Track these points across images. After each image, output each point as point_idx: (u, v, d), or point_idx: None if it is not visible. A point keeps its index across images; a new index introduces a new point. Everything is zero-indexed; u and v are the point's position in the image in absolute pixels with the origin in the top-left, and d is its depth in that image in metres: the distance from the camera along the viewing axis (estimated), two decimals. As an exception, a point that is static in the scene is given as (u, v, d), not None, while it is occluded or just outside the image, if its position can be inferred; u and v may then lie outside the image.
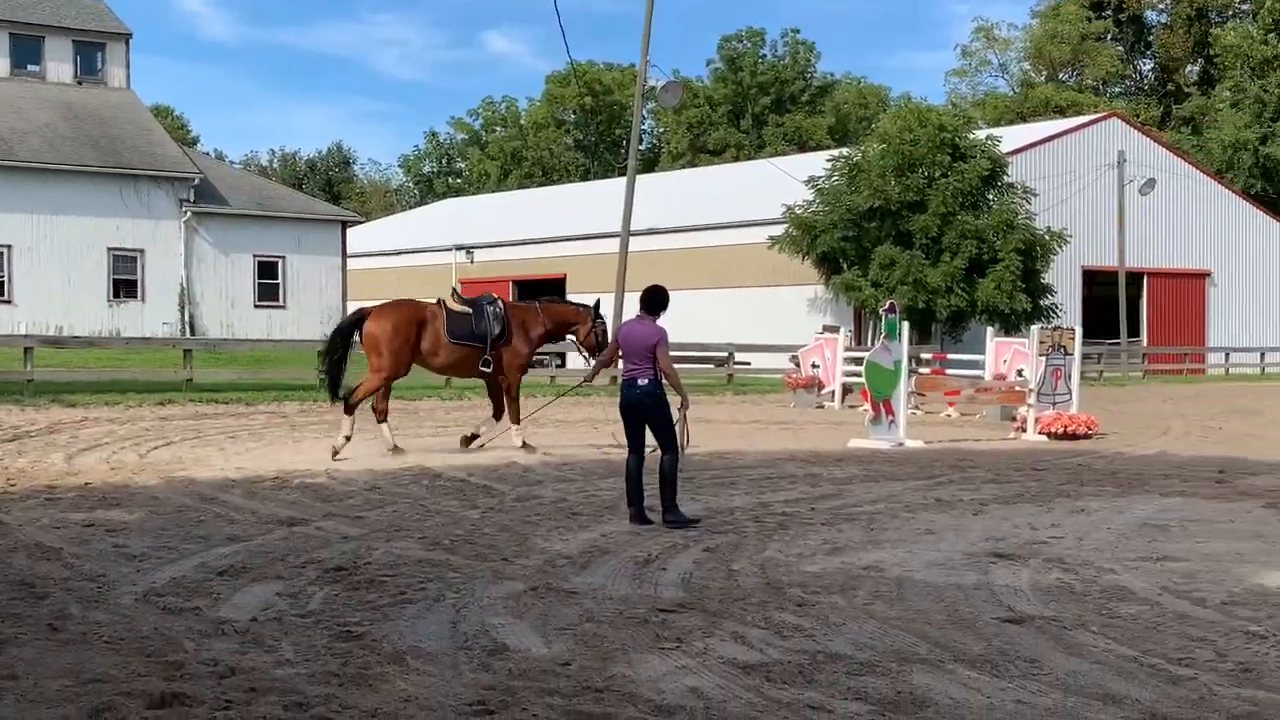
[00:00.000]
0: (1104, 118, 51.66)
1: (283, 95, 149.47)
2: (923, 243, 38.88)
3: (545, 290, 53.33)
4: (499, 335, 16.06)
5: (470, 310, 16.12)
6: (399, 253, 59.30)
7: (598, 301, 17.30)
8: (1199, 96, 74.15)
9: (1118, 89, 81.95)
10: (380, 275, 57.44)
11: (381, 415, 15.74)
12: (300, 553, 9.13)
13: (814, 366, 27.86)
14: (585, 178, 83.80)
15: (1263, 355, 49.95)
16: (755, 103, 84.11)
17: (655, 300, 10.83)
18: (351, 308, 46.49)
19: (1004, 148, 41.54)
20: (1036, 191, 41.24)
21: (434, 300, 16.43)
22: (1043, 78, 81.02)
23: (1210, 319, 51.09)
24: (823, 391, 27.46)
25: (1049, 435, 19.49)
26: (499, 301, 16.45)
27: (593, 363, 15.13)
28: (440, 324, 15.89)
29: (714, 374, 36.44)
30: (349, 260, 45.12)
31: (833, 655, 6.53)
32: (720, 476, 13.92)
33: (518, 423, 16.33)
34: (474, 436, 16.43)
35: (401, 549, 9.32)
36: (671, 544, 9.64)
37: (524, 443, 16.02)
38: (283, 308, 42.00)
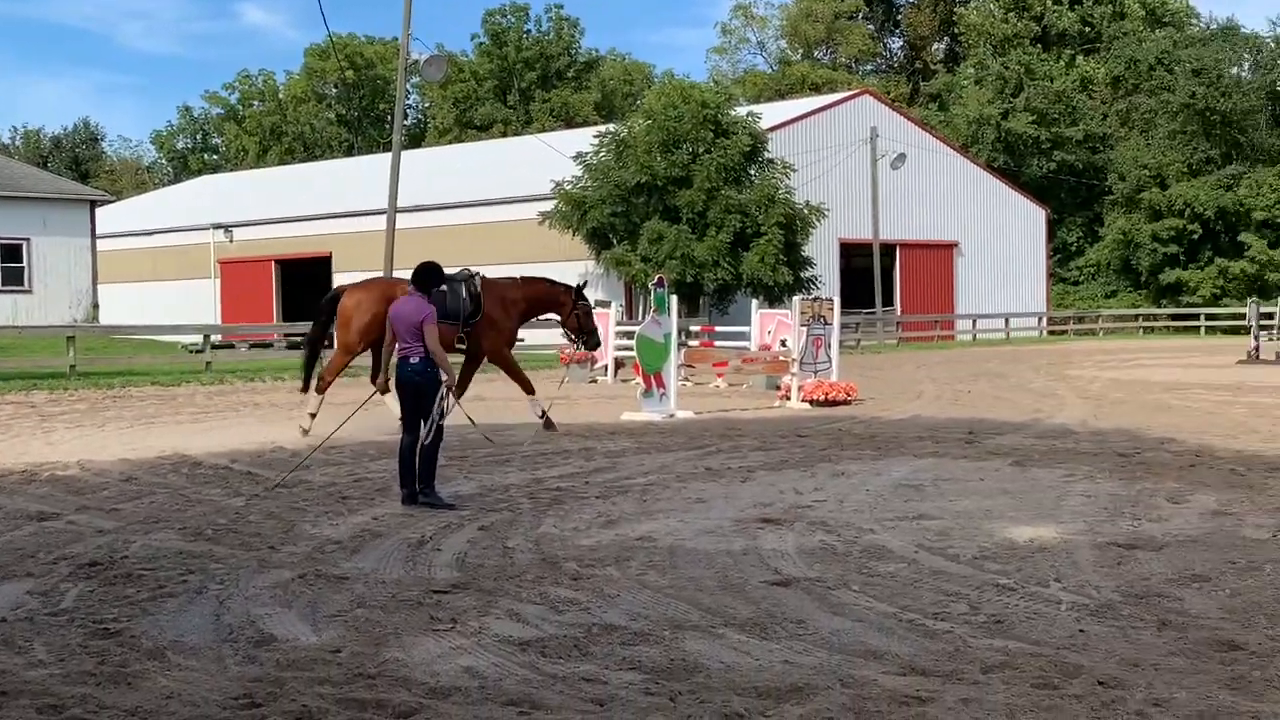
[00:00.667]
0: (857, 95, 53.42)
1: (23, 70, 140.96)
2: (689, 217, 39.48)
3: (308, 269, 52.10)
4: (472, 312, 15.70)
5: (444, 288, 15.80)
6: (153, 232, 56.82)
7: (584, 283, 16.94)
8: (945, 74, 77.43)
9: (869, 67, 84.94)
10: (134, 256, 55.03)
11: (322, 388, 16.06)
12: (52, 549, 8.70)
13: (585, 341, 27.99)
14: (349, 153, 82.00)
15: (1007, 321, 52.63)
16: (521, 78, 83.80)
17: (424, 277, 10.70)
18: (104, 290, 44.74)
19: (764, 124, 42.49)
20: (795, 167, 42.35)
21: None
22: (799, 56, 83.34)
23: (958, 287, 53.56)
24: (595, 366, 27.65)
25: (811, 403, 20.10)
26: (476, 278, 16.04)
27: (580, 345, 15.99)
28: None
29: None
30: (100, 241, 43.03)
31: (607, 627, 6.59)
32: (494, 454, 13.87)
33: (532, 392, 16.07)
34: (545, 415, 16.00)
35: (161, 541, 8.97)
36: (445, 524, 9.56)
37: (544, 412, 15.76)
38: (29, 292, 39.78)
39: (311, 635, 6.54)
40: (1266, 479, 11.55)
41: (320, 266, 51.44)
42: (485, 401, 20.60)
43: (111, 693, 5.58)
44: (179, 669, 5.94)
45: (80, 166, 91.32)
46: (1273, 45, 61.53)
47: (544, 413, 15.76)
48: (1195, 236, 58.55)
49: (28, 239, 39.85)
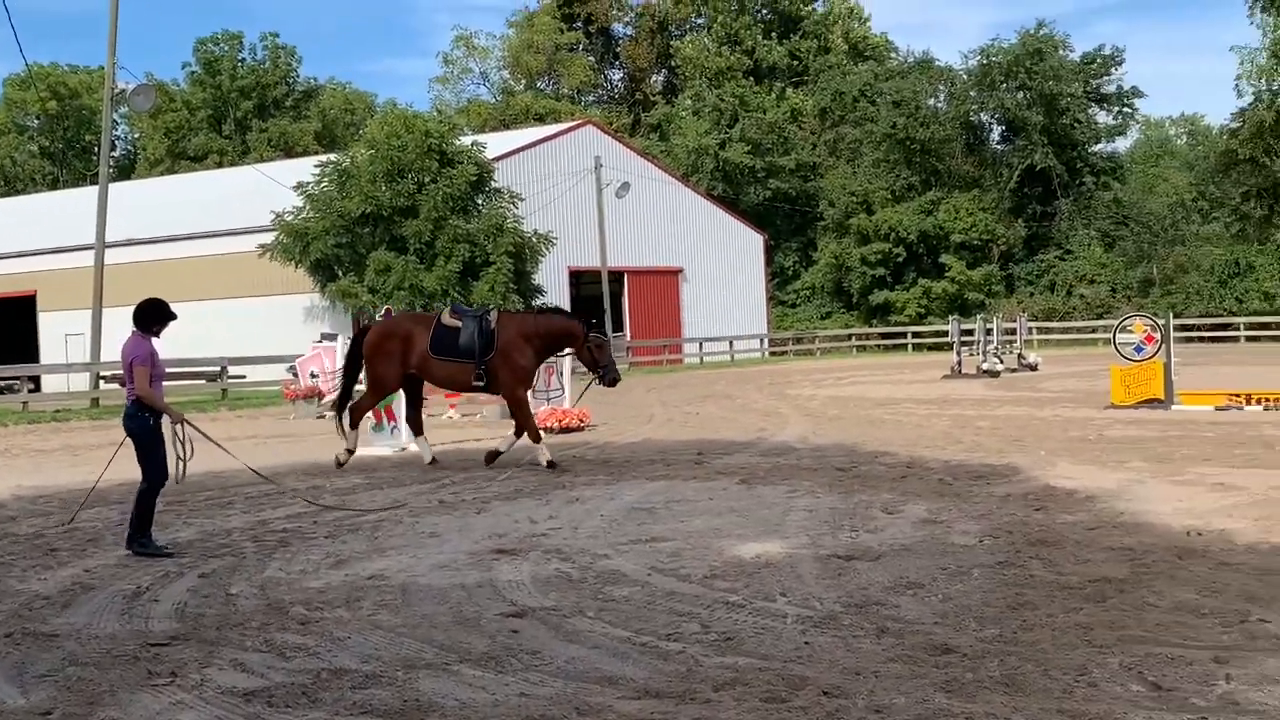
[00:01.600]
0: (580, 125, 54.21)
1: None
2: (417, 247, 39.18)
3: (11, 309, 49.09)
4: (485, 349, 15.02)
5: (459, 324, 15.15)
6: None
7: (595, 319, 16.07)
8: (664, 105, 79.38)
9: (592, 98, 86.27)
10: None
11: (354, 420, 15.69)
12: None
13: (313, 376, 27.31)
14: (54, 187, 77.79)
15: (731, 343, 54.23)
16: (237, 107, 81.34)
17: (141, 315, 10.17)
18: None
19: (489, 154, 42.61)
20: (523, 196, 42.60)
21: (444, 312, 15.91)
22: (522, 86, 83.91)
23: (685, 312, 54.91)
24: (323, 401, 26.98)
25: (546, 430, 20.15)
26: (492, 314, 15.45)
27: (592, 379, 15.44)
28: (427, 338, 15.15)
29: (207, 389, 34.95)
30: None
31: (338, 671, 6.42)
32: (215, 496, 13.34)
33: (538, 440, 15.16)
34: (496, 454, 15.37)
35: None
36: (164, 573, 9.12)
37: (549, 461, 14.87)
38: None
39: (19, 697, 6.13)
40: (971, 487, 12.24)
41: (25, 305, 48.62)
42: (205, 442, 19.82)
43: None
44: None
45: None
46: (965, 77, 65.65)
47: (550, 461, 15.00)
48: (900, 259, 61.79)
49: None
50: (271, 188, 42.13)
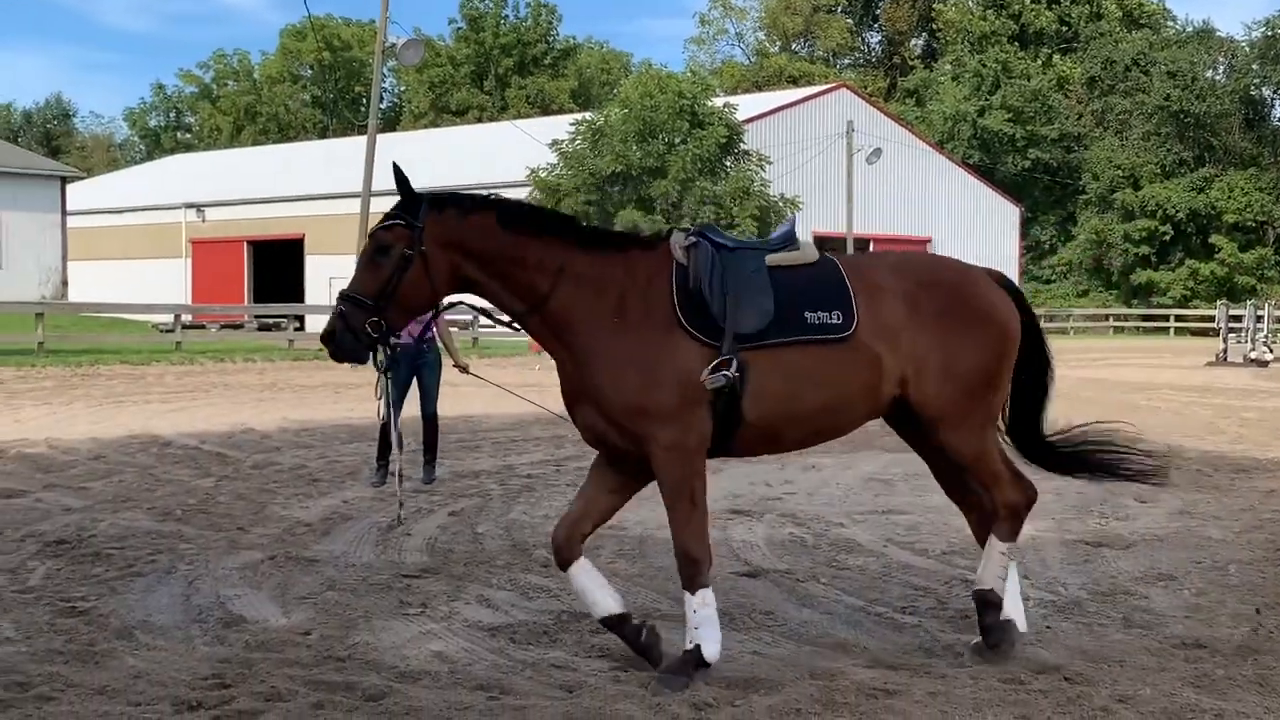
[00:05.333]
0: (834, 89, 53.52)
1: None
2: (664, 208, 39.54)
3: (280, 251, 51.71)
4: None
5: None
6: (124, 210, 56.37)
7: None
8: (922, 70, 77.59)
9: (847, 61, 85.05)
10: (105, 234, 54.59)
11: None
12: (19, 525, 8.64)
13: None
14: (323, 135, 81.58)
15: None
16: (498, 64, 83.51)
17: None
18: (73, 268, 44.40)
19: (740, 116, 42.54)
20: (771, 159, 42.42)
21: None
22: (777, 48, 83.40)
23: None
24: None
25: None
26: None
27: None
28: None
29: (459, 336, 36.15)
30: (70, 218, 42.67)
31: (576, 615, 6.59)
32: (465, 440, 13.86)
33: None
34: None
35: (129, 520, 8.93)
36: (416, 509, 9.55)
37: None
38: (-4, 268, 39.49)
39: (281, 617, 6.53)
40: (1232, 480, 11.64)
41: (293, 248, 51.20)
42: (457, 387, 20.54)
43: (79, 671, 5.55)
44: (147, 649, 5.92)
45: (51, 142, 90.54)
46: (1247, 49, 61.95)
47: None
48: (1167, 238, 58.95)
49: (-3, 214, 39.59)
50: (527, 143, 43.15)
